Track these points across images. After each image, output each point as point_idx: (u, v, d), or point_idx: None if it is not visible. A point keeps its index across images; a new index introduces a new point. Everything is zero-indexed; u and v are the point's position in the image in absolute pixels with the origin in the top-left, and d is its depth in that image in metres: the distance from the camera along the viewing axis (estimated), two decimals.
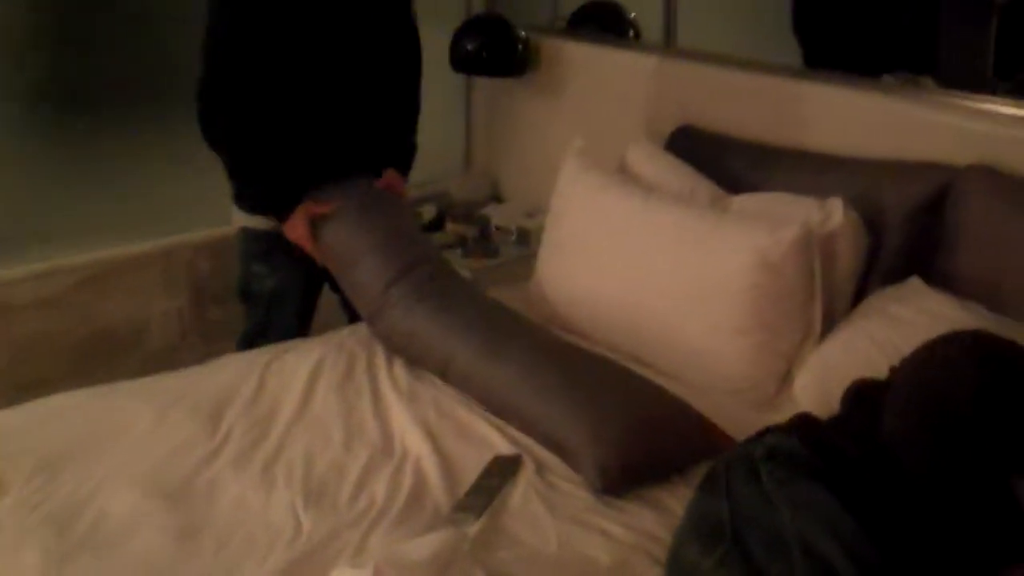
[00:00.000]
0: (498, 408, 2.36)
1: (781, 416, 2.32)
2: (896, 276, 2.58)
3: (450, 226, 3.84)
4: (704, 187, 2.84)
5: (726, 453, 1.91)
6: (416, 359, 2.57)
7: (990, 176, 2.56)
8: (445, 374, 2.48)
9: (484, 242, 3.72)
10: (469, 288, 2.80)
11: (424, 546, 1.77)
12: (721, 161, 3.01)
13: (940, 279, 2.53)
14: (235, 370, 2.57)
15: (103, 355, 3.42)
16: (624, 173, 2.95)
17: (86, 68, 3.37)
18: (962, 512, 1.76)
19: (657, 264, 2.58)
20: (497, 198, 4.08)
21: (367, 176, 2.95)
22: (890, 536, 1.69)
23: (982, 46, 3.13)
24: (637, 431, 2.16)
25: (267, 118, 2.77)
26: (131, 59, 3.41)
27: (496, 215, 3.82)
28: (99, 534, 1.96)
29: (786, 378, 2.47)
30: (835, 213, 2.53)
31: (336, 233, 2.79)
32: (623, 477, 2.10)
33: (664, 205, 2.66)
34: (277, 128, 2.79)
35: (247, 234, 2.95)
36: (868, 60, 3.18)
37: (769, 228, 2.44)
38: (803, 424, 1.95)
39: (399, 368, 2.60)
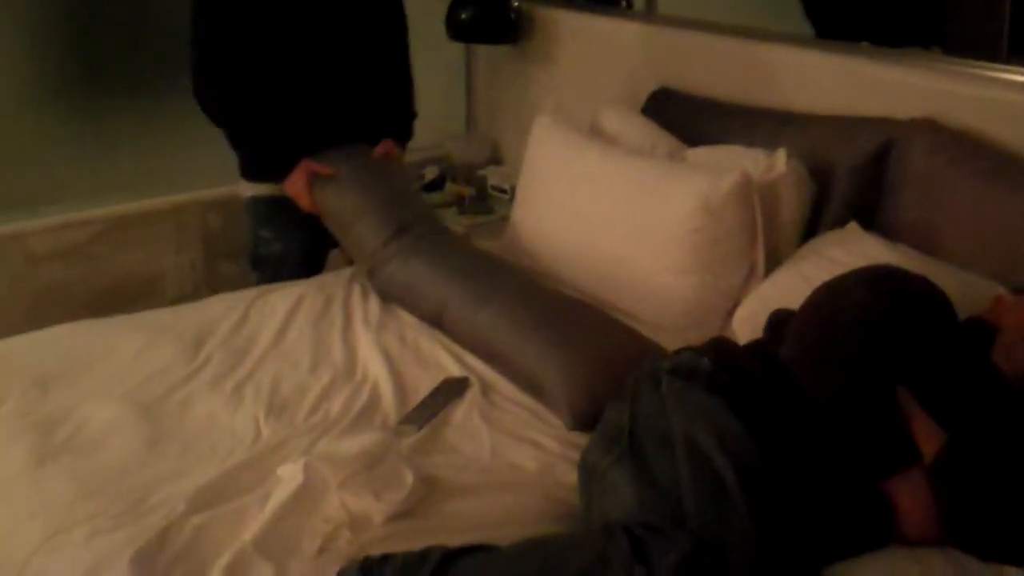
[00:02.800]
0: (485, 352, 2.50)
1: None
2: (842, 225, 2.73)
3: (450, 186, 4.04)
4: (665, 142, 3.01)
5: (640, 369, 2.08)
6: (414, 308, 2.75)
7: (931, 129, 2.69)
8: (440, 322, 2.66)
9: (480, 200, 3.91)
10: (461, 242, 2.97)
11: (356, 444, 1.97)
12: (690, 120, 3.17)
13: (882, 227, 2.68)
14: (222, 305, 2.79)
15: (119, 304, 3.62)
16: (593, 131, 3.13)
17: (105, 35, 3.62)
18: (847, 425, 1.91)
19: (613, 211, 2.76)
20: (497, 160, 4.26)
21: (364, 144, 3.12)
22: (775, 443, 1.85)
23: (995, 17, 3.23)
24: (606, 370, 2.28)
25: (257, 88, 2.96)
26: (147, 26, 3.65)
27: (494, 176, 4.01)
28: (78, 439, 2.18)
29: (729, 316, 2.64)
30: (778, 163, 2.68)
31: (334, 194, 2.98)
32: (591, 414, 2.21)
33: (621, 157, 2.85)
34: (268, 97, 2.97)
35: (254, 202, 3.15)
36: (878, 33, 3.29)
37: (710, 176, 2.61)
38: (716, 345, 2.12)
39: (373, 304, 2.80)
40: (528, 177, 3.10)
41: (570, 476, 2.07)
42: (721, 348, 2.10)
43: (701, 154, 2.90)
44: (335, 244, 3.18)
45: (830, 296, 2.10)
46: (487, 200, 3.92)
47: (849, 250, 2.56)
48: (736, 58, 3.25)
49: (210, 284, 3.83)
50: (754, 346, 2.17)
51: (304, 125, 3.04)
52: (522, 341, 2.40)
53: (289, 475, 1.90)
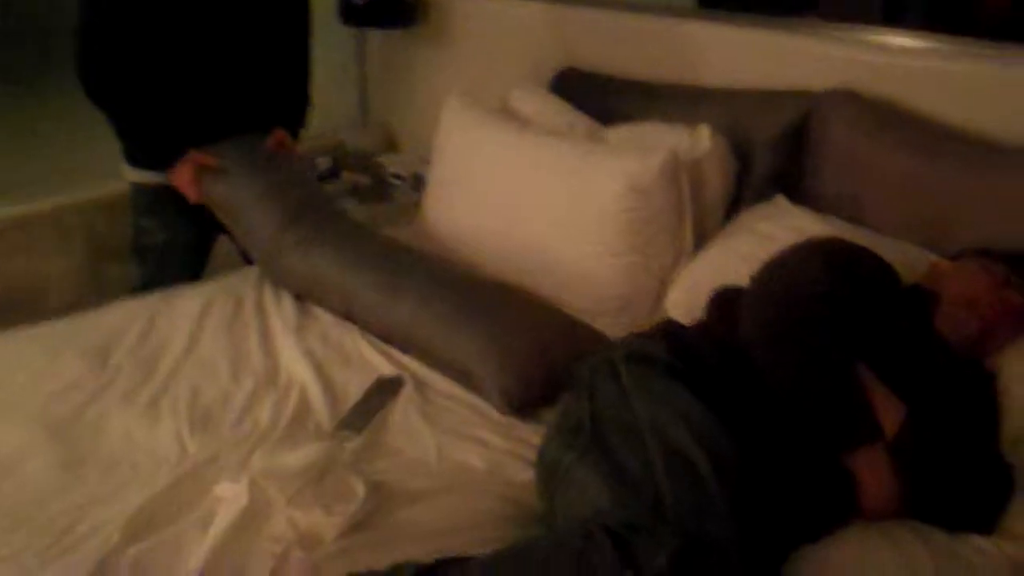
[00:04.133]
0: (402, 342, 2.41)
1: None
2: (765, 199, 2.69)
3: (346, 175, 3.89)
4: (582, 122, 2.93)
5: (591, 357, 1.99)
6: (320, 300, 2.62)
7: (850, 100, 2.67)
8: (350, 313, 2.53)
9: (378, 189, 3.78)
10: (364, 230, 2.82)
11: (300, 456, 1.85)
12: (600, 99, 3.10)
13: (807, 200, 2.64)
14: (124, 313, 2.61)
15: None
16: (505, 113, 3.03)
17: None
18: (809, 403, 1.87)
19: (534, 195, 2.67)
20: (392, 147, 4.13)
21: (255, 134, 2.98)
22: (739, 427, 1.79)
23: None
24: (536, 354, 2.21)
25: (146, 74, 2.78)
26: (16, 19, 3.42)
27: (391, 163, 3.88)
28: None
29: (660, 297, 2.57)
30: (702, 139, 2.63)
31: (224, 184, 2.82)
32: (525, 399, 2.17)
33: (539, 138, 2.75)
34: (157, 83, 2.80)
35: (136, 189, 2.97)
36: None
37: (638, 156, 2.54)
38: (666, 330, 2.05)
39: (288, 305, 2.65)
40: (439, 163, 2.98)
41: (521, 474, 1.99)
42: (672, 332, 2.04)
43: (621, 133, 2.82)
44: (222, 230, 3.03)
45: (781, 273, 2.05)
46: (385, 189, 3.78)
47: (778, 224, 2.52)
48: (643, 35, 3.19)
49: (96, 290, 3.61)
50: (703, 328, 2.11)
51: (193, 113, 2.87)
52: (448, 331, 2.32)
53: (230, 495, 1.77)
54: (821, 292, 1.96)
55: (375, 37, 4.11)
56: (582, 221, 2.57)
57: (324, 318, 2.58)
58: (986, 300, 2.11)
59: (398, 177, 3.80)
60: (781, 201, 2.61)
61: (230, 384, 2.30)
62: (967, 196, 2.39)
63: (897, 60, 2.67)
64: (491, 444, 2.07)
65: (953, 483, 1.88)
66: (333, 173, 3.92)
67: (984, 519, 1.86)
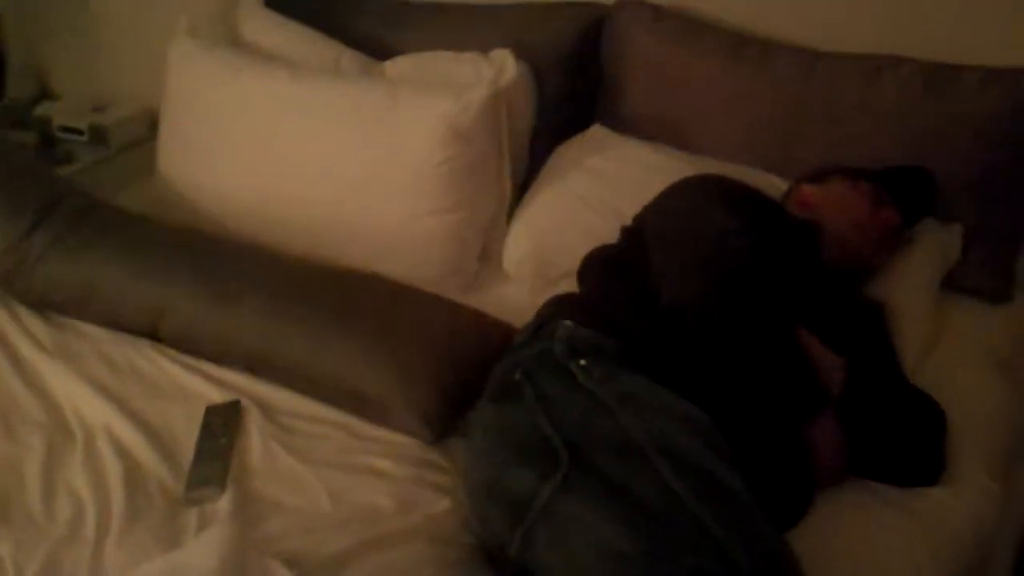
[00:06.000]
0: (247, 361, 1.92)
1: (491, 298, 2.15)
2: (564, 125, 2.42)
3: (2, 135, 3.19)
4: (344, 53, 2.51)
5: (511, 356, 1.66)
6: (97, 316, 2.06)
7: (642, 9, 2.43)
8: (156, 331, 2.00)
9: (48, 148, 3.13)
10: (138, 219, 2.23)
11: (202, 554, 1.39)
12: (342, 22, 2.65)
13: (612, 122, 2.40)
14: None
15: None
16: (241, 45, 2.55)
17: None
18: (759, 368, 1.65)
19: (324, 149, 2.24)
20: (48, 95, 3.45)
21: None
22: (713, 410, 1.54)
23: None
24: (445, 359, 1.80)
25: None
26: None
27: (57, 115, 3.22)
28: None
29: (486, 253, 2.26)
30: (507, 66, 2.29)
31: None
32: (446, 417, 1.76)
33: (320, 80, 2.30)
34: None
35: None
36: None
37: (452, 94, 2.17)
38: (576, 308, 1.75)
39: (32, 322, 2.08)
40: (179, 118, 2.45)
41: (437, 505, 1.64)
42: (584, 310, 1.73)
43: (404, 66, 2.43)
44: None
45: (686, 226, 1.80)
46: (58, 147, 3.14)
47: (607, 156, 2.28)
48: None
49: None
50: (609, 300, 1.81)
51: None
52: (310, 339, 1.85)
53: None
54: (744, 243, 1.74)
55: None
56: (391, 178, 2.18)
57: (92, 333, 2.05)
58: (870, 223, 1.99)
59: (72, 130, 3.16)
60: (599, 130, 2.36)
61: (9, 445, 1.75)
62: (804, 109, 2.23)
63: None
64: (385, 472, 1.69)
65: (898, 432, 1.74)
66: None
67: (933, 463, 1.73)
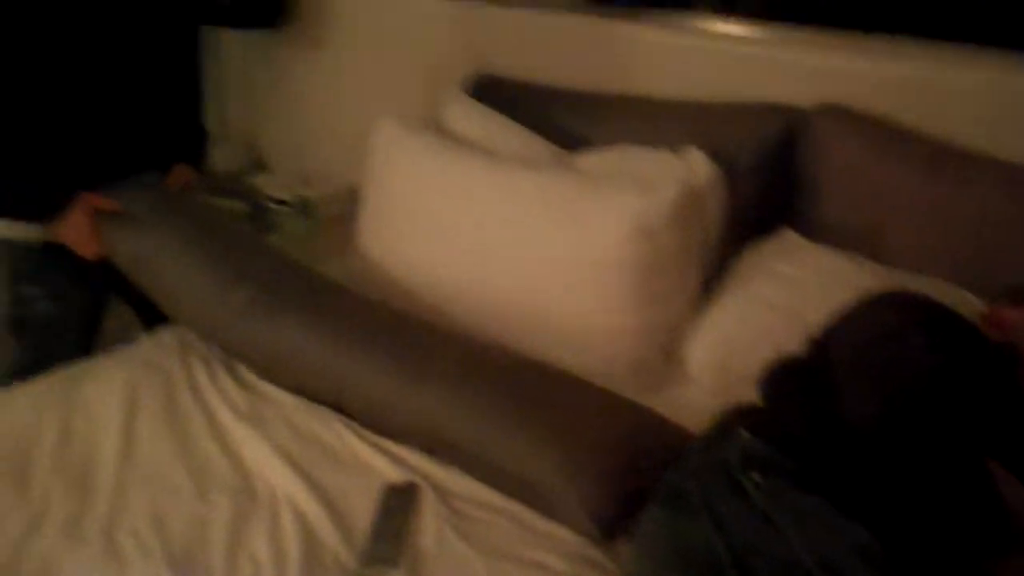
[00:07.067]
0: (426, 441, 1.96)
1: (673, 399, 2.13)
2: (752, 228, 2.42)
3: (219, 202, 3.37)
4: (539, 145, 2.57)
5: (685, 463, 1.66)
6: (288, 381, 2.15)
7: (842, 115, 2.42)
8: (340, 401, 2.08)
9: (259, 217, 3.30)
10: (330, 283, 2.32)
11: None
12: (537, 113, 2.72)
13: (805, 230, 2.39)
14: (25, 411, 2.09)
15: None
16: (441, 131, 2.64)
17: None
18: (944, 498, 1.60)
19: (515, 236, 2.28)
20: (261, 167, 3.64)
21: (152, 173, 2.49)
22: (891, 535, 1.50)
23: None
24: (622, 459, 1.79)
25: (17, 102, 2.27)
26: None
27: (267, 186, 3.39)
28: None
29: (672, 354, 2.26)
30: (699, 166, 2.31)
31: (133, 237, 2.34)
32: (617, 518, 1.73)
33: (514, 169, 2.36)
34: (32, 114, 2.29)
35: (11, 248, 2.41)
36: None
37: (643, 191, 2.20)
38: (754, 419, 1.73)
39: (227, 381, 2.20)
40: (378, 195, 2.55)
41: None
42: (769, 423, 1.72)
43: (595, 159, 2.47)
44: (118, 291, 2.53)
45: (883, 346, 1.76)
46: (267, 216, 3.31)
47: (798, 263, 2.26)
48: (574, 37, 2.83)
49: None
50: (791, 414, 1.78)
51: (78, 150, 2.36)
52: (491, 426, 1.87)
53: None
54: (936, 364, 1.69)
55: (233, 39, 3.59)
56: (577, 270, 2.22)
57: (281, 400, 2.14)
58: None
59: (279, 201, 3.33)
60: (790, 235, 2.35)
61: (197, 503, 1.84)
62: (1005, 225, 2.17)
63: (885, 69, 2.41)
64: (552, 568, 1.70)
65: None
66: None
67: None
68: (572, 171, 2.43)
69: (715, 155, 2.39)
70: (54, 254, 2.38)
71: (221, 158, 3.56)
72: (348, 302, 2.26)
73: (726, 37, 2.64)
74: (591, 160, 2.49)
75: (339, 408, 2.08)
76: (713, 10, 2.75)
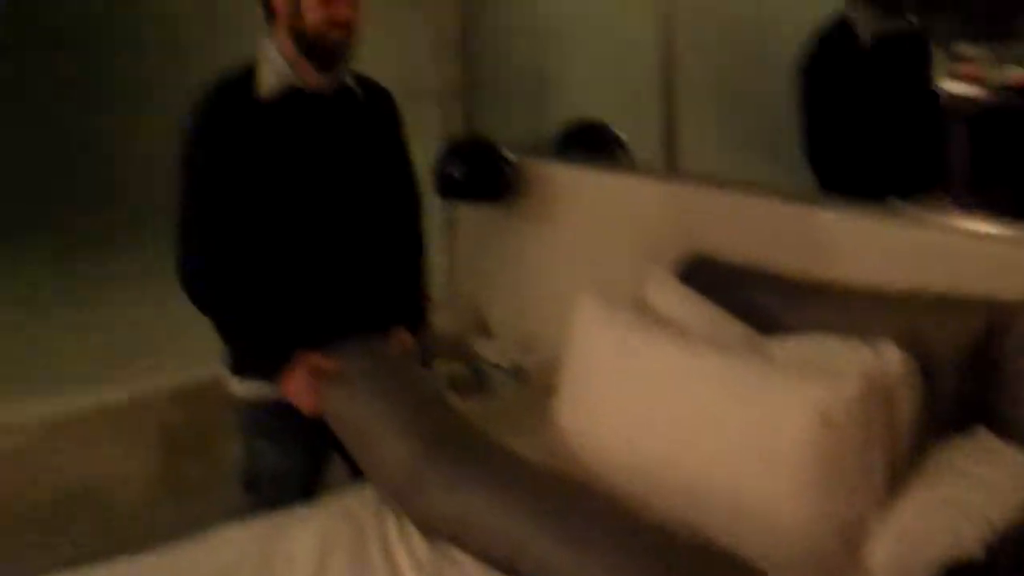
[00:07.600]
0: None
1: None
2: (948, 425, 2.37)
3: (439, 365, 3.57)
4: (735, 328, 2.63)
5: None
6: (470, 547, 2.25)
7: None
8: (515, 567, 2.15)
9: (476, 380, 3.46)
10: (517, 459, 2.41)
11: None
12: (743, 295, 2.78)
13: (999, 427, 2.32)
14: (231, 548, 2.27)
15: (62, 519, 3.08)
16: (643, 309, 2.73)
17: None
18: None
19: (701, 417, 2.33)
20: (484, 331, 3.83)
21: (373, 335, 2.69)
22: None
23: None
24: None
25: (253, 268, 2.53)
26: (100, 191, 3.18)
27: (487, 350, 3.57)
28: None
29: (852, 549, 2.22)
30: (892, 359, 2.30)
31: (347, 400, 2.52)
32: None
33: (705, 351, 2.42)
34: (266, 279, 2.55)
35: (251, 407, 2.65)
36: (882, 185, 3.00)
37: (826, 381, 2.21)
38: None
39: (415, 538, 2.31)
40: (577, 372, 2.65)
41: None
42: None
43: (789, 346, 2.50)
44: (336, 447, 2.70)
45: None
46: (484, 380, 3.46)
47: (992, 466, 2.20)
48: (785, 223, 2.91)
49: (170, 489, 3.27)
50: None
51: (305, 313, 2.58)
52: None
53: None
54: None
55: (465, 210, 3.83)
56: (757, 456, 2.23)
57: (460, 559, 2.23)
58: None
59: (495, 366, 3.48)
60: (984, 435, 2.29)
61: None
62: None
63: None
64: None
65: None
66: (424, 361, 3.59)
67: None
68: (759, 356, 2.46)
69: (913, 348, 2.38)
70: (284, 410, 2.58)
71: (448, 322, 3.78)
72: (522, 471, 2.35)
73: (969, 234, 2.62)
74: (784, 346, 2.51)
75: (512, 572, 2.15)
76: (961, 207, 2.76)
